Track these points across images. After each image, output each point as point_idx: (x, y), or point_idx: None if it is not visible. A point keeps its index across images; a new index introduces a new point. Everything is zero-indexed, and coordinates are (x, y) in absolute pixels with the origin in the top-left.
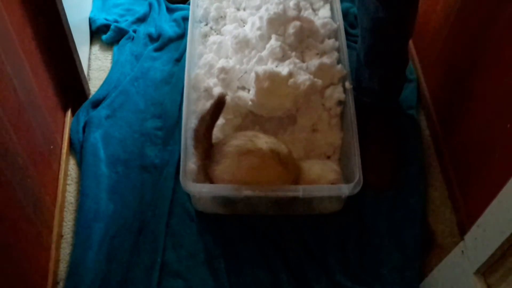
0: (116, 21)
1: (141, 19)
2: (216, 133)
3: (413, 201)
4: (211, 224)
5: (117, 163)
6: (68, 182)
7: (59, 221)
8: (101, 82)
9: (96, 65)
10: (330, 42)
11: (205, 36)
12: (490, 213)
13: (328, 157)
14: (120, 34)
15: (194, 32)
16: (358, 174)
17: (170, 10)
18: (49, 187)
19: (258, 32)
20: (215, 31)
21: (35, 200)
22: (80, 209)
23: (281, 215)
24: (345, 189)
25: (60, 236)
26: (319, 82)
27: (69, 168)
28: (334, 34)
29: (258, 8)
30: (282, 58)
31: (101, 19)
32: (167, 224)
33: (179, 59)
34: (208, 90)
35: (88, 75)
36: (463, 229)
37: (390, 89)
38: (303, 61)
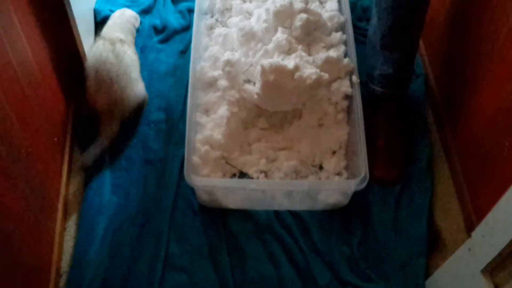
0: None
1: (146, 11)
2: (222, 126)
3: (419, 197)
4: (215, 218)
5: (122, 157)
6: (72, 174)
7: (62, 214)
8: None
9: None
10: (337, 35)
11: (211, 28)
12: (498, 210)
13: (334, 152)
14: None
15: (199, 24)
16: (364, 170)
17: (175, 2)
18: (52, 180)
19: (264, 25)
20: (220, 23)
21: (39, 193)
22: (83, 202)
23: (286, 209)
24: (351, 185)
25: (63, 229)
26: (325, 76)
27: (73, 161)
28: (341, 27)
29: (264, 0)
30: (289, 51)
31: (106, 11)
32: (171, 218)
33: (184, 51)
34: (213, 83)
35: None
36: (470, 226)
37: (404, 73)
38: (309, 54)
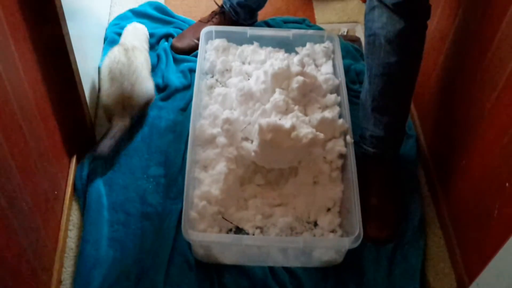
0: None
1: None
2: (220, 182)
3: (412, 257)
4: (210, 274)
5: (119, 210)
6: (70, 228)
7: (59, 267)
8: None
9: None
10: (332, 97)
11: (211, 87)
12: (489, 271)
13: (329, 210)
14: None
15: (200, 83)
16: (358, 228)
17: (177, 62)
18: (51, 233)
19: (263, 86)
20: (220, 83)
21: (37, 245)
22: (80, 255)
23: (281, 266)
24: (346, 243)
25: (59, 282)
26: (321, 135)
27: (72, 214)
28: (336, 89)
29: (263, 62)
30: (286, 111)
31: None
32: (166, 273)
33: (185, 109)
34: (212, 140)
35: (94, 122)
36: (462, 287)
37: (395, 135)
38: (305, 114)
